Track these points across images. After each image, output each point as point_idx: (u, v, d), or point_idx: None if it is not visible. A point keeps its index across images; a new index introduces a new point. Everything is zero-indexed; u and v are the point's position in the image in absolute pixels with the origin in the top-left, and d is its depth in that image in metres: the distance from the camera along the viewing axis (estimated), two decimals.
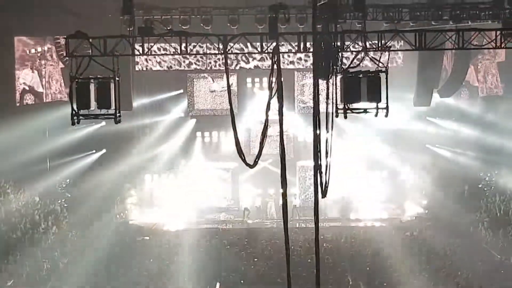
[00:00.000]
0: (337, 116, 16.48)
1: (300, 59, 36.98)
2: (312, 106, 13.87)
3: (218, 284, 26.90)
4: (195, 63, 37.32)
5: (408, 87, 32.77)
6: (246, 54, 35.02)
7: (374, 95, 16.83)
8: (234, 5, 27.53)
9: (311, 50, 17.65)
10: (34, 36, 37.27)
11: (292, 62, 37.11)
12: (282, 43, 17.74)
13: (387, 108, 16.95)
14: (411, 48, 18.77)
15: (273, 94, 13.72)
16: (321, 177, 14.19)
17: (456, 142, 36.69)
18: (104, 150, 37.45)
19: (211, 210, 37.47)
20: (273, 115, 13.63)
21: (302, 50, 18.31)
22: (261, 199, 37.24)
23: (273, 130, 15.27)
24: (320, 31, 17.04)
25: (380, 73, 16.90)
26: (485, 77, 37.29)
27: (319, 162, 14.11)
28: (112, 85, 17.14)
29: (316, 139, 13.94)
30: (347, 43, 17.86)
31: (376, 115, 17.02)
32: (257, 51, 18.55)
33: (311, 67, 34.94)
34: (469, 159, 35.41)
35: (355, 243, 30.82)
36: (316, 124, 13.80)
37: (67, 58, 18.06)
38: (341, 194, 36.56)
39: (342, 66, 16.78)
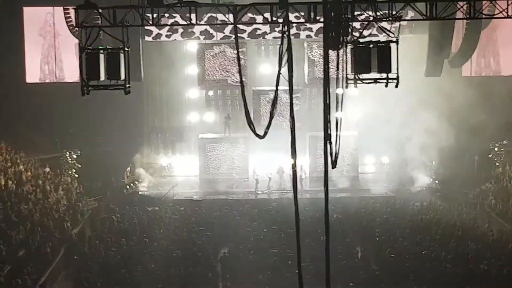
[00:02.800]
0: (347, 86, 16.40)
1: (310, 29, 36.60)
2: (322, 76, 13.80)
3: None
4: (206, 33, 36.92)
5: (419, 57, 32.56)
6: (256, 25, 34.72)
7: (385, 66, 16.76)
8: None
9: (321, 20, 17.52)
10: (43, 6, 37.35)
11: (302, 33, 36.68)
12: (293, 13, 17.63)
13: (397, 78, 16.90)
14: (422, 18, 18.65)
15: (283, 64, 13.66)
16: (331, 147, 14.16)
17: (466, 112, 36.09)
18: (114, 121, 37.47)
19: (221, 180, 37.47)
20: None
21: (312, 20, 18.18)
22: (272, 170, 37.00)
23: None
24: (330, 1, 16.92)
25: (390, 44, 16.82)
26: None
27: (329, 133, 14.07)
28: (121, 56, 17.09)
29: (326, 110, 13.88)
30: (357, 13, 17.74)
31: (386, 86, 16.98)
32: (267, 22, 18.43)
33: (321, 37, 34.79)
34: (479, 130, 35.11)
35: (365, 213, 30.86)
36: (326, 95, 13.74)
37: (77, 28, 18.02)
38: (350, 164, 36.66)
39: (353, 36, 16.68)
